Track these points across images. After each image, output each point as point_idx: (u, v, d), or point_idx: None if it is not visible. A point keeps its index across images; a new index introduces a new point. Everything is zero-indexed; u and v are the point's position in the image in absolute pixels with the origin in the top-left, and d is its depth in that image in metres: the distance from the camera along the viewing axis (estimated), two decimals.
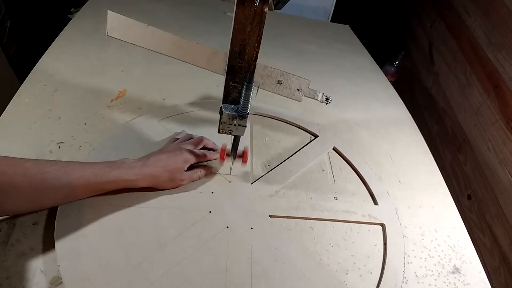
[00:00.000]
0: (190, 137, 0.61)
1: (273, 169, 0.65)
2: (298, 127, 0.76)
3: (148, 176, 0.50)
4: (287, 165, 0.66)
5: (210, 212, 0.55)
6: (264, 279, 0.49)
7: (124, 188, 0.50)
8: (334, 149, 0.72)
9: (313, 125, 0.76)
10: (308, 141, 0.73)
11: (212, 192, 0.58)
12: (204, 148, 0.60)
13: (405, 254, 0.56)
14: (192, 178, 0.56)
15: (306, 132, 0.75)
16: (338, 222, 0.58)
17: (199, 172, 0.57)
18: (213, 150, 0.61)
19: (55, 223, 0.48)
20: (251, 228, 0.54)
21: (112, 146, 0.61)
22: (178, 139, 0.60)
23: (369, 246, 0.56)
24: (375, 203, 0.63)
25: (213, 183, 0.59)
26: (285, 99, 0.56)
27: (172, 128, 0.67)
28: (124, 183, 0.49)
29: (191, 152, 0.55)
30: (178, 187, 0.55)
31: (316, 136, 0.74)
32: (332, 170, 0.68)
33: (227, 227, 0.53)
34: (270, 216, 0.57)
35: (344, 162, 0.70)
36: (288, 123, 0.76)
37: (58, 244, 0.46)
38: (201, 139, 0.60)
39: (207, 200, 0.56)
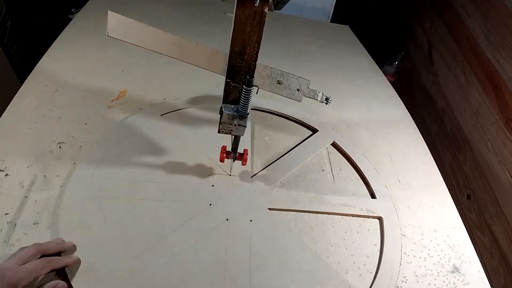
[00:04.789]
0: (31, 252, 0.43)
1: (273, 163, 0.66)
2: (298, 122, 0.77)
3: None
4: (286, 159, 0.67)
5: (210, 204, 0.56)
6: (262, 270, 0.49)
7: None
8: (334, 144, 0.73)
9: (313, 120, 0.77)
10: (308, 135, 0.74)
11: (213, 185, 0.59)
12: (44, 256, 0.44)
13: (402, 247, 0.57)
14: None
15: (306, 130, 0.76)
16: (338, 221, 0.59)
17: None
18: (60, 254, 0.46)
19: (59, 214, 0.49)
20: (251, 221, 0.55)
21: (115, 139, 0.62)
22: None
23: (368, 245, 0.56)
24: (373, 197, 0.64)
25: (213, 176, 0.60)
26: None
27: (173, 124, 0.67)
28: None
29: (18, 271, 0.40)
30: None
31: (315, 131, 0.75)
32: (332, 170, 0.68)
33: (227, 220, 0.54)
34: (269, 209, 0.57)
35: (343, 158, 0.71)
36: (288, 118, 0.77)
37: (62, 236, 0.47)
38: (35, 247, 0.43)
39: (207, 193, 0.57)
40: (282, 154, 0.68)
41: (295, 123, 0.77)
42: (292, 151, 0.69)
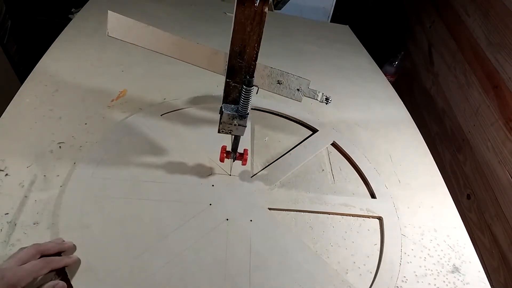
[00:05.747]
0: (30, 253, 0.43)
1: (272, 163, 0.66)
2: (298, 122, 0.77)
3: None
4: (286, 159, 0.67)
5: (210, 204, 0.56)
6: (262, 270, 0.49)
7: None
8: (334, 144, 0.73)
9: (313, 120, 0.78)
10: (308, 135, 0.74)
11: (213, 185, 0.59)
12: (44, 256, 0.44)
13: (402, 247, 0.57)
14: None
15: (306, 130, 0.76)
16: (338, 221, 0.59)
17: None
18: (60, 254, 0.46)
19: (59, 214, 0.49)
20: (251, 221, 0.55)
21: (115, 139, 0.62)
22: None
23: (368, 245, 0.56)
24: (373, 197, 0.64)
25: (213, 176, 0.60)
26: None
27: (173, 124, 0.67)
28: None
29: (18, 271, 0.40)
30: None
31: (315, 131, 0.75)
32: (332, 170, 0.68)
33: (227, 220, 0.55)
34: (270, 209, 0.58)
35: (343, 158, 0.71)
36: (288, 118, 0.77)
37: (62, 236, 0.47)
38: (34, 248, 0.44)
39: (207, 193, 0.58)
40: (282, 154, 0.68)
41: (295, 123, 0.77)
42: (292, 151, 0.69)
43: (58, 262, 0.44)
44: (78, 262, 0.46)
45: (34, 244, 0.44)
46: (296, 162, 0.67)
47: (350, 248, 0.55)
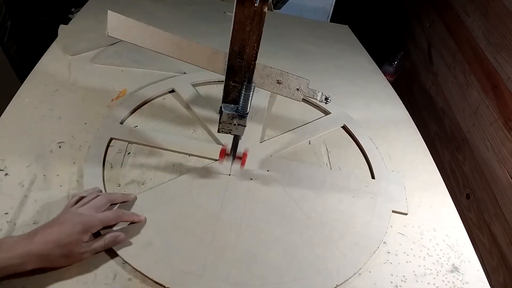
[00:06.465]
0: (103, 202, 0.48)
1: (281, 134, 0.71)
2: (311, 104, 0.82)
3: (34, 257, 0.40)
4: (296, 132, 0.73)
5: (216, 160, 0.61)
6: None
7: (7, 275, 0.39)
8: (344, 127, 0.78)
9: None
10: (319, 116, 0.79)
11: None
12: (113, 206, 0.50)
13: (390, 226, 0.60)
14: (95, 249, 0.45)
15: (318, 111, 0.82)
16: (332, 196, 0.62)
17: (105, 240, 0.45)
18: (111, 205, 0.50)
19: None
20: (251, 179, 0.61)
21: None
22: (81, 200, 0.48)
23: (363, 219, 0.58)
24: (373, 177, 0.68)
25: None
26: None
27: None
28: (4, 271, 0.38)
29: (93, 218, 0.45)
30: (80, 261, 0.44)
31: (328, 113, 0.80)
32: (329, 160, 0.68)
33: (229, 175, 0.61)
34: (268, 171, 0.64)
35: (351, 140, 0.76)
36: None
37: None
38: (106, 197, 0.49)
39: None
40: (293, 126, 0.74)
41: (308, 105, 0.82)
42: (302, 127, 0.75)
43: (128, 217, 0.49)
44: (144, 221, 0.50)
45: (105, 194, 0.50)
46: (304, 138, 0.72)
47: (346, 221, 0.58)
